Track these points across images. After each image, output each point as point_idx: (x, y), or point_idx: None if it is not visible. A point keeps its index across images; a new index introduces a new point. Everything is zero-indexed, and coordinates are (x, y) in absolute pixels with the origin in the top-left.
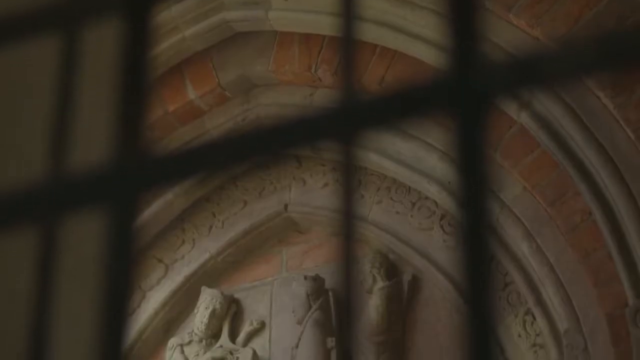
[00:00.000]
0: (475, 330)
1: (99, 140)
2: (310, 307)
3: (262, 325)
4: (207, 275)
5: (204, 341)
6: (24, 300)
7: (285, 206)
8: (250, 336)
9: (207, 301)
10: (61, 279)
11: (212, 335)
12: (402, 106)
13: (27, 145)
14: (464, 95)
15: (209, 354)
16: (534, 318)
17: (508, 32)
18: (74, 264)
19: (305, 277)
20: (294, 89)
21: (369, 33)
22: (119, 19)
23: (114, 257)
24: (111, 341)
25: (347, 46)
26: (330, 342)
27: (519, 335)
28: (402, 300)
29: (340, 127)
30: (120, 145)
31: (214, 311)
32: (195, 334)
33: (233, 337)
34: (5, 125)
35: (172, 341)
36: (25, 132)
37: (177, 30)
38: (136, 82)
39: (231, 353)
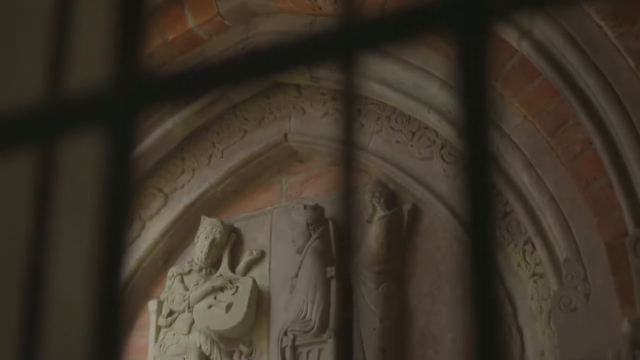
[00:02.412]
0: (476, 260)
1: (97, 61)
2: (310, 236)
3: (262, 255)
4: (207, 205)
5: (203, 270)
6: (22, 224)
7: (285, 135)
8: (250, 265)
9: (207, 230)
10: (59, 203)
11: (212, 264)
12: (402, 27)
13: (25, 66)
14: (464, 16)
15: (208, 283)
16: (534, 247)
17: None
18: (72, 188)
19: (305, 207)
20: (293, 18)
21: None
22: None
23: (113, 177)
24: (110, 266)
25: None
26: (330, 271)
27: (519, 265)
28: (402, 230)
29: (340, 47)
30: (118, 65)
31: (213, 240)
32: (195, 263)
33: (233, 266)
34: (3, 46)
35: (172, 270)
36: (24, 53)
37: None
38: (135, 4)
39: (231, 282)
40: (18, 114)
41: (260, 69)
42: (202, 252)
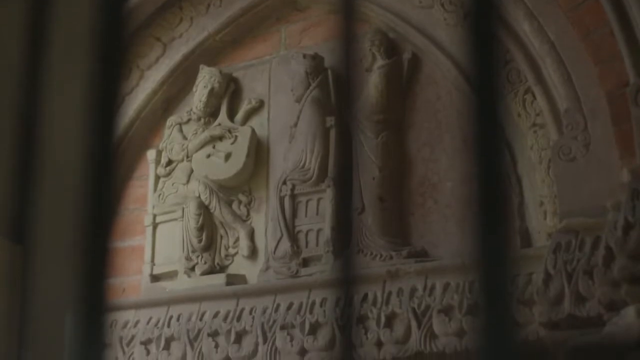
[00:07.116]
0: (477, 108)
1: None
2: (309, 85)
3: (261, 104)
4: (206, 54)
5: (202, 119)
6: (17, 66)
7: None
8: (249, 114)
9: (206, 80)
10: (54, 45)
11: (211, 113)
12: None
13: None
14: None
15: (207, 132)
16: (534, 97)
17: None
18: (67, 31)
19: (304, 56)
20: None
21: None
22: None
23: (108, 16)
24: (104, 113)
25: None
26: (329, 120)
27: (519, 115)
28: (402, 79)
29: None
30: None
31: (212, 90)
32: (194, 113)
33: (231, 115)
34: None
35: (171, 120)
36: None
37: None
38: None
39: (230, 131)
40: None
41: None
42: (200, 101)
